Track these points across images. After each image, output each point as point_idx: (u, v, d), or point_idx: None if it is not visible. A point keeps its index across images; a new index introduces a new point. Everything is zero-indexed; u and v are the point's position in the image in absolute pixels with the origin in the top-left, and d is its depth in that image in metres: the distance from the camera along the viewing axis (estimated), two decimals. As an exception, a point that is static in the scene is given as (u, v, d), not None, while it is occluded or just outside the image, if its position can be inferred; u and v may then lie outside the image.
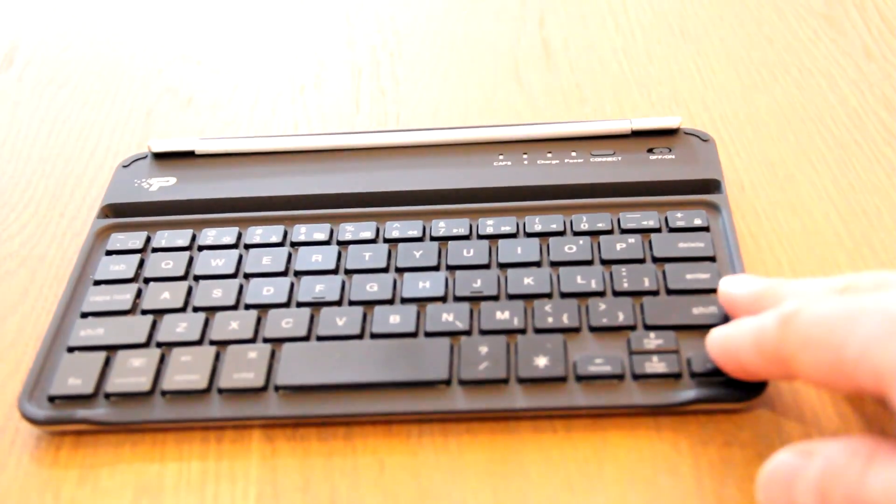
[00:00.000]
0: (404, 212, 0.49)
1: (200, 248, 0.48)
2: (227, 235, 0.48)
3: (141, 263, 0.47)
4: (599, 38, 0.64)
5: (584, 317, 0.42)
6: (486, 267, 0.45)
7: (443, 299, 0.43)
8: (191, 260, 0.47)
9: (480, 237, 0.47)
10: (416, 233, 0.47)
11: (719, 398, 0.38)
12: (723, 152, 0.52)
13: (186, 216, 0.50)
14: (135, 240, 0.48)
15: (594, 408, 0.39)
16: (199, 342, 0.42)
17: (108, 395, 0.41)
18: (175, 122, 0.60)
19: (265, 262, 0.46)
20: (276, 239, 0.48)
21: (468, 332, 0.42)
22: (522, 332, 0.42)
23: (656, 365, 0.39)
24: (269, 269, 0.46)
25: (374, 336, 0.42)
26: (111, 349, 0.42)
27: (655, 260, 0.44)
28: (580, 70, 0.62)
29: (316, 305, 0.44)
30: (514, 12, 0.68)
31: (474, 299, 0.43)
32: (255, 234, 0.48)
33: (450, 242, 0.46)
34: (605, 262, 0.45)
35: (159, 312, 0.44)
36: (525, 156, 0.51)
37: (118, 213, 0.51)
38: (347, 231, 0.48)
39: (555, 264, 0.45)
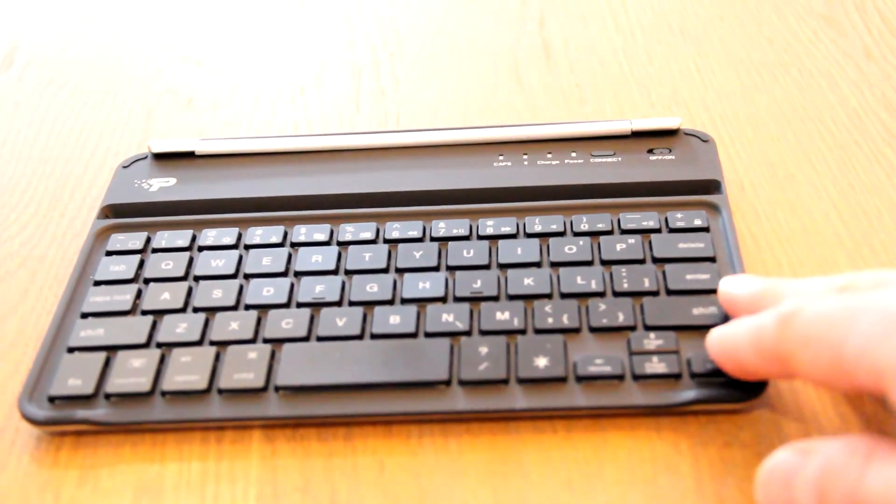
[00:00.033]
0: (404, 212, 0.49)
1: (200, 249, 0.48)
2: (227, 236, 0.48)
3: (141, 264, 0.47)
4: (599, 39, 0.64)
5: (584, 317, 0.42)
6: (487, 267, 0.45)
7: (443, 300, 0.43)
8: (191, 260, 0.47)
9: (480, 238, 0.47)
10: (416, 233, 0.47)
11: (719, 398, 0.38)
12: (723, 153, 0.52)
13: (186, 217, 0.50)
14: (135, 240, 0.48)
15: (594, 408, 0.39)
16: (199, 342, 0.42)
17: (108, 396, 0.41)
18: (175, 122, 0.60)
19: (265, 262, 0.46)
20: (276, 239, 0.48)
21: (468, 333, 0.42)
22: (522, 332, 0.42)
23: (656, 365, 0.39)
24: (269, 269, 0.46)
25: (374, 336, 0.42)
26: (111, 349, 0.42)
27: (655, 260, 0.44)
28: (580, 70, 0.62)
29: (316, 306, 0.44)
30: (514, 12, 0.68)
31: (474, 300, 0.43)
32: (255, 234, 0.48)
33: (450, 243, 0.46)
34: (605, 263, 0.45)
35: (159, 313, 0.44)
36: (525, 156, 0.51)
37: (118, 213, 0.51)
38: (347, 231, 0.48)
39: (555, 265, 0.45)
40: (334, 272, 0.46)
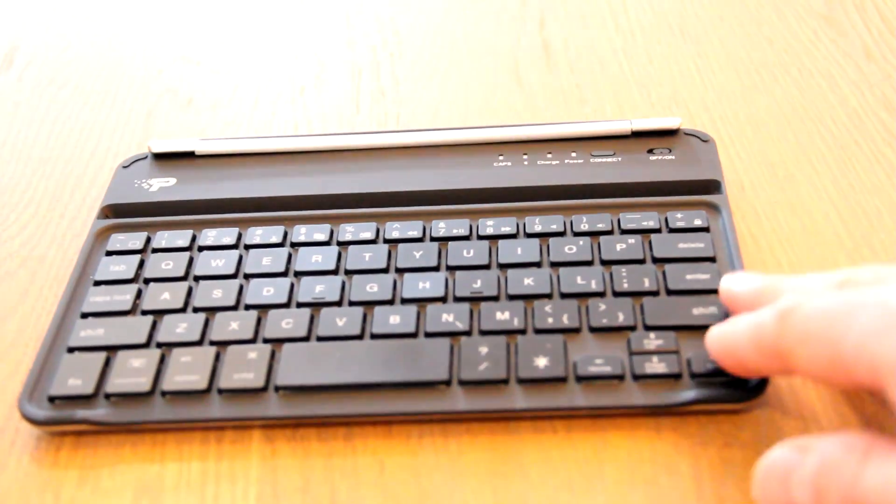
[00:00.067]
0: (404, 212, 0.49)
1: (200, 249, 0.48)
2: (228, 236, 0.48)
3: (141, 264, 0.47)
4: (599, 39, 0.64)
5: (584, 317, 0.42)
6: (486, 267, 0.45)
7: (443, 300, 0.43)
8: (191, 260, 0.47)
9: (480, 237, 0.47)
10: (416, 233, 0.47)
11: (719, 399, 0.38)
12: (723, 153, 0.52)
13: (186, 217, 0.50)
14: (135, 240, 0.48)
15: (594, 408, 0.39)
16: (199, 342, 0.42)
17: (108, 396, 0.41)
18: (175, 122, 0.60)
19: (265, 262, 0.46)
20: (276, 239, 0.48)
21: (468, 333, 0.42)
22: (522, 332, 0.42)
23: (656, 365, 0.39)
24: (269, 269, 0.46)
25: (374, 336, 0.42)
26: (111, 349, 0.42)
27: (655, 260, 0.44)
28: (580, 70, 0.62)
29: (316, 306, 0.44)
30: (514, 13, 0.68)
31: (474, 300, 0.43)
32: (255, 234, 0.48)
33: (450, 243, 0.46)
34: (605, 263, 0.45)
35: (159, 313, 0.44)
36: (525, 156, 0.51)
37: (118, 213, 0.51)
38: (347, 231, 0.48)
39: (555, 265, 0.45)
40: (334, 272, 0.46)
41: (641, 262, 0.44)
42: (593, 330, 0.41)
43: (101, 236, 0.49)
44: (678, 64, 0.61)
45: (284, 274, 0.46)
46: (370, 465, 0.39)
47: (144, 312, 0.44)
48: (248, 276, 0.46)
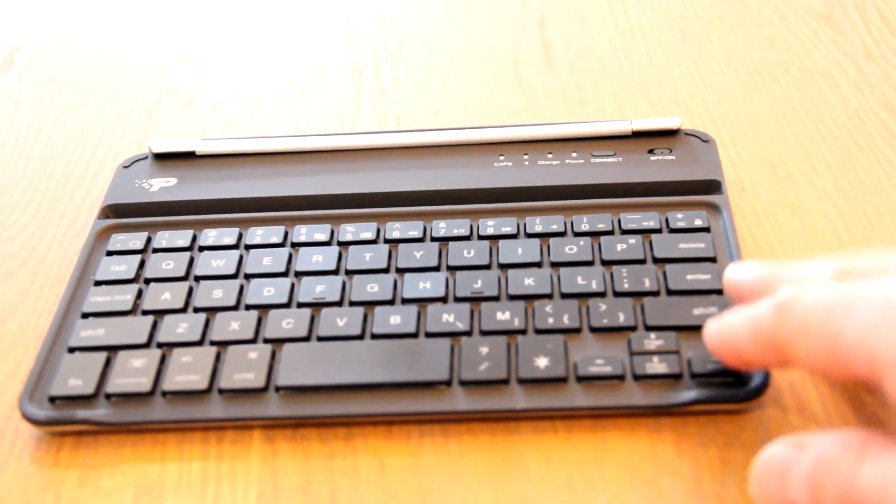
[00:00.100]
0: (405, 212, 0.49)
1: (201, 249, 0.48)
2: (228, 236, 0.48)
3: (142, 264, 0.47)
4: (600, 39, 0.64)
5: (584, 317, 0.42)
6: (487, 267, 0.45)
7: (443, 300, 0.43)
8: (191, 260, 0.47)
9: (481, 238, 0.47)
10: (416, 233, 0.47)
11: (720, 399, 0.38)
12: (723, 153, 0.52)
13: (187, 217, 0.50)
14: (135, 240, 0.48)
15: (595, 408, 0.39)
16: (199, 343, 0.42)
17: (108, 396, 0.41)
18: (176, 122, 0.60)
19: (266, 262, 0.46)
20: (276, 239, 0.48)
21: (469, 333, 0.42)
22: (523, 332, 0.42)
23: (657, 365, 0.39)
24: (269, 269, 0.46)
25: (374, 336, 0.42)
26: (112, 350, 0.42)
27: (656, 260, 0.44)
28: (580, 71, 0.62)
29: (316, 306, 0.44)
30: (514, 13, 0.68)
31: (475, 300, 0.43)
32: (256, 234, 0.48)
33: (450, 243, 0.46)
34: (605, 263, 0.45)
35: (160, 313, 0.44)
36: (525, 156, 0.51)
37: (119, 213, 0.51)
38: (348, 232, 0.48)
39: (555, 265, 0.45)
40: (335, 272, 0.46)
41: (642, 262, 0.44)
42: (594, 330, 0.41)
43: (101, 236, 0.49)
44: (678, 64, 0.61)
45: (285, 274, 0.46)
46: (371, 465, 0.39)
47: (145, 312, 0.44)
48: (248, 277, 0.46)
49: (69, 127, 0.60)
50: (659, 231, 0.46)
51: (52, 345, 0.43)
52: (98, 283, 0.46)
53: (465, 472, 0.38)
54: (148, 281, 0.46)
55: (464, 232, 0.47)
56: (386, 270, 0.45)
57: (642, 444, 0.38)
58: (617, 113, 0.57)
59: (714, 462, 0.37)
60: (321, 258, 0.46)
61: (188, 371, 0.41)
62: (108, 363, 0.42)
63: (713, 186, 0.49)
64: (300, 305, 0.44)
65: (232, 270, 0.46)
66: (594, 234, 0.46)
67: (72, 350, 0.43)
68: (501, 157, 0.51)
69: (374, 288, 0.44)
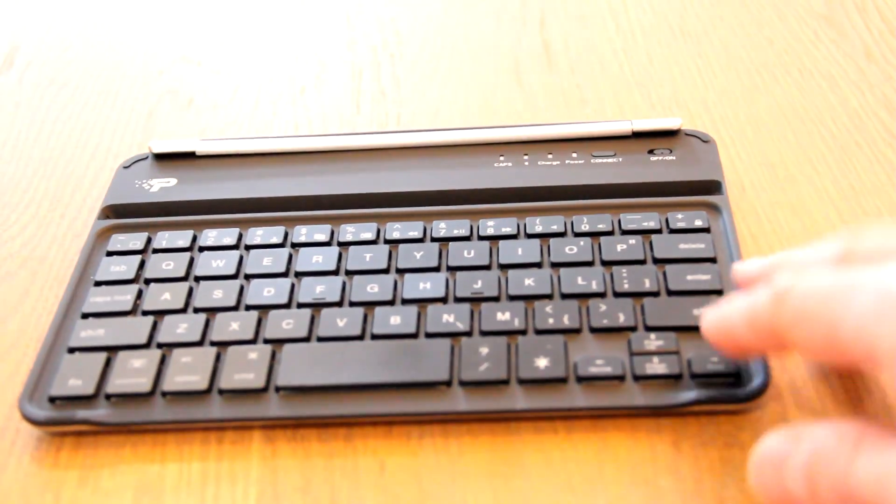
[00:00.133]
0: (405, 213, 0.49)
1: (201, 249, 0.48)
2: (228, 236, 0.48)
3: (142, 264, 0.47)
4: (600, 39, 0.64)
5: (584, 318, 0.42)
6: (487, 268, 0.45)
7: (443, 300, 0.43)
8: (191, 261, 0.47)
9: (481, 238, 0.47)
10: (416, 234, 0.47)
11: (720, 399, 0.38)
12: (723, 153, 0.52)
13: (187, 217, 0.50)
14: (135, 241, 0.48)
15: (595, 409, 0.39)
16: (199, 343, 0.42)
17: (108, 396, 0.41)
18: (176, 123, 0.60)
19: (266, 262, 0.46)
20: (276, 240, 0.48)
21: (469, 333, 0.42)
22: (523, 332, 0.42)
23: (657, 366, 0.39)
24: (269, 269, 0.46)
25: (374, 337, 0.42)
26: (112, 350, 0.42)
27: (656, 261, 0.44)
28: (581, 71, 0.62)
29: (316, 306, 0.44)
30: (514, 13, 0.68)
31: (475, 300, 0.43)
32: (256, 234, 0.48)
33: (450, 243, 0.46)
34: (605, 263, 0.45)
35: (160, 313, 0.44)
36: (526, 157, 0.51)
37: (119, 213, 0.51)
38: (348, 232, 0.48)
39: (555, 265, 0.45)
40: (335, 273, 0.46)
41: (642, 262, 0.44)
42: (594, 330, 0.41)
43: (101, 237, 0.49)
44: (679, 64, 0.61)
45: (285, 274, 0.46)
46: (370, 465, 0.39)
47: (145, 313, 0.44)
48: (248, 277, 0.46)
49: (69, 127, 0.60)
50: (659, 231, 0.46)
51: (52, 345, 0.43)
52: (98, 284, 0.46)
53: (465, 472, 0.38)
54: (148, 281, 0.46)
55: (464, 232, 0.47)
56: (386, 271, 0.45)
57: (642, 445, 0.38)
58: (617, 113, 0.57)
59: (714, 462, 0.37)
60: (321, 258, 0.46)
61: (188, 371, 0.41)
62: (108, 363, 0.42)
63: (713, 187, 0.49)
64: (300, 306, 0.44)
65: (232, 271, 0.46)
66: (594, 235, 0.46)
67: (72, 350, 0.43)
68: (501, 158, 0.51)
69: (374, 288, 0.44)
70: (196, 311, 0.44)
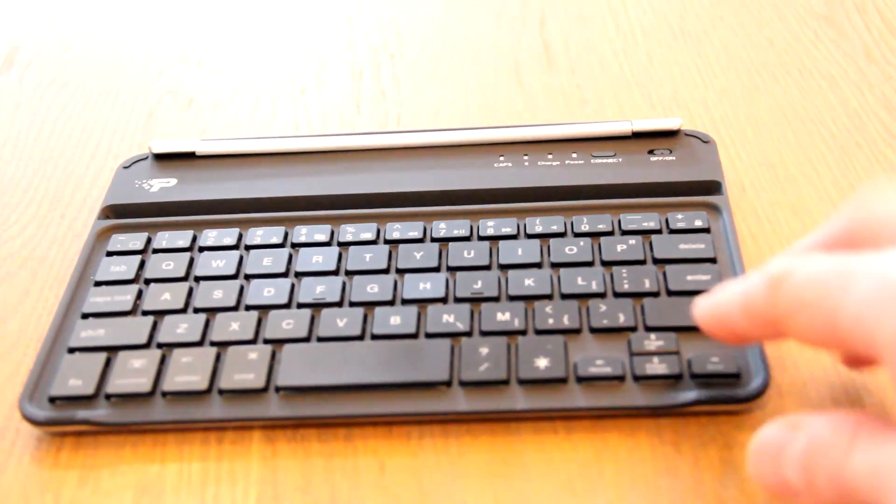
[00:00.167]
0: (405, 213, 0.49)
1: (201, 249, 0.48)
2: (228, 236, 0.48)
3: (142, 264, 0.47)
4: (600, 40, 0.64)
5: (584, 318, 0.42)
6: (487, 268, 0.45)
7: (443, 300, 0.43)
8: (191, 261, 0.47)
9: (481, 238, 0.47)
10: (416, 234, 0.47)
11: (720, 400, 0.38)
12: (723, 154, 0.52)
13: (187, 217, 0.50)
14: (135, 241, 0.48)
15: (595, 409, 0.39)
16: (199, 343, 0.42)
17: (108, 396, 0.41)
18: (176, 123, 0.60)
19: (266, 263, 0.46)
20: (276, 240, 0.48)
21: (469, 334, 0.42)
22: (523, 333, 0.42)
23: (657, 366, 0.39)
24: (269, 270, 0.46)
25: (374, 337, 0.42)
26: (112, 350, 0.42)
27: (656, 261, 0.44)
28: (581, 71, 0.62)
29: (316, 306, 0.44)
30: (514, 13, 0.68)
31: (475, 300, 0.43)
32: (256, 235, 0.48)
33: (450, 243, 0.46)
34: (605, 264, 0.45)
35: (160, 313, 0.44)
36: (526, 157, 0.51)
37: (119, 214, 0.51)
38: (348, 232, 0.48)
39: (555, 265, 0.45)
40: (335, 273, 0.46)
41: (642, 262, 0.44)
42: (594, 331, 0.41)
43: (101, 237, 0.49)
44: (679, 65, 0.61)
45: (285, 274, 0.46)
46: (370, 465, 0.39)
47: (145, 313, 0.44)
48: (248, 277, 0.46)
49: (69, 127, 0.60)
50: (659, 232, 0.46)
51: (52, 345, 0.43)
52: (98, 284, 0.46)
53: (465, 472, 0.38)
54: (148, 281, 0.46)
55: (464, 232, 0.47)
56: (386, 271, 0.45)
57: (642, 445, 0.38)
58: (617, 113, 0.57)
59: (714, 462, 0.37)
60: (321, 259, 0.46)
61: (188, 371, 0.41)
62: (108, 363, 0.42)
63: (713, 187, 0.49)
64: (300, 306, 0.44)
65: (232, 271, 0.46)
66: (594, 235, 0.46)
67: (72, 350, 0.43)
68: (501, 158, 0.51)
69: (374, 288, 0.44)
70: (196, 311, 0.44)
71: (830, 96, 0.57)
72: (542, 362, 0.40)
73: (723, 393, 0.38)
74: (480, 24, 0.67)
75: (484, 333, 0.42)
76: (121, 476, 0.39)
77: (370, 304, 0.43)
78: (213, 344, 0.42)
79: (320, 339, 0.42)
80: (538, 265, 0.45)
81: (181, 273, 0.46)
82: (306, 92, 0.62)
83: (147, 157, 0.54)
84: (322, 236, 0.48)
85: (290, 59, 0.66)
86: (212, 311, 0.44)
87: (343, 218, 0.49)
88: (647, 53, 0.63)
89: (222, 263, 0.46)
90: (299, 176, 0.52)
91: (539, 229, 0.46)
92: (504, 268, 0.45)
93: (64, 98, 0.63)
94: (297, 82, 0.63)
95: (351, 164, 0.52)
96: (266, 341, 0.42)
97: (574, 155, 0.51)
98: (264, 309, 0.44)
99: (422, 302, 0.43)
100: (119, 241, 0.48)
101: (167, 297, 0.45)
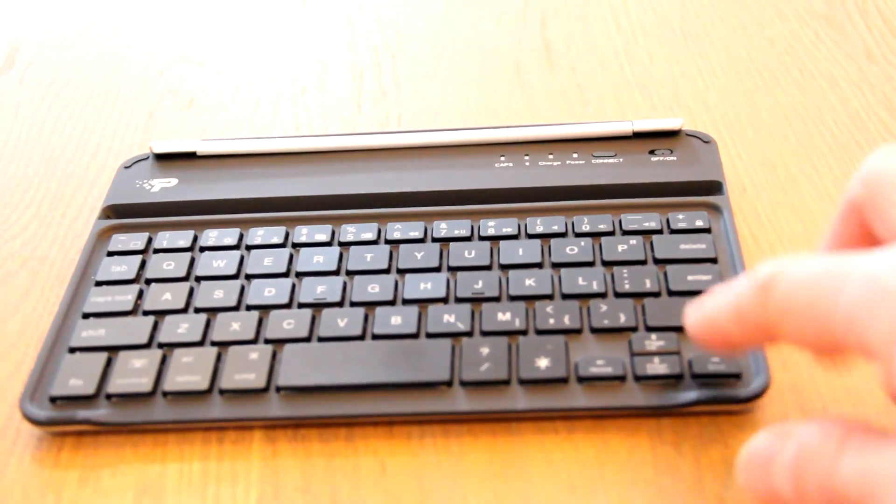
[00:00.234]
0: (406, 213, 0.49)
1: (202, 249, 0.48)
2: (229, 236, 0.48)
3: (142, 264, 0.47)
4: (601, 40, 0.64)
5: (585, 318, 0.42)
6: (488, 268, 0.45)
7: (444, 300, 0.43)
8: (192, 261, 0.47)
9: (482, 238, 0.47)
10: (417, 234, 0.47)
11: (720, 399, 0.38)
12: (724, 154, 0.52)
13: (188, 217, 0.50)
14: (136, 241, 0.48)
15: (596, 409, 0.39)
16: (200, 343, 0.42)
17: (109, 396, 0.41)
18: (177, 123, 0.60)
19: (267, 263, 0.46)
20: (277, 240, 0.48)
21: (469, 334, 0.42)
22: (524, 333, 0.42)
23: (658, 366, 0.39)
24: (270, 270, 0.46)
25: (375, 337, 0.42)
26: (113, 350, 0.42)
27: (657, 261, 0.44)
28: (581, 71, 0.62)
29: (317, 306, 0.44)
30: (515, 13, 0.68)
31: (476, 300, 0.43)
32: (257, 235, 0.48)
33: (451, 243, 0.46)
34: (606, 264, 0.45)
35: (161, 313, 0.44)
36: (526, 157, 0.51)
37: (120, 213, 0.51)
38: (349, 232, 0.48)
39: (556, 265, 0.45)
40: (336, 273, 0.46)
41: (643, 262, 0.44)
42: (595, 331, 0.41)
43: (102, 237, 0.49)
44: (679, 65, 0.61)
45: (286, 274, 0.46)
46: (371, 465, 0.39)
47: (146, 313, 0.44)
48: (249, 277, 0.46)
49: (70, 127, 0.60)
50: (660, 232, 0.46)
51: (53, 345, 0.43)
52: (99, 284, 0.46)
53: (466, 472, 0.38)
54: (149, 281, 0.46)
55: (465, 232, 0.47)
56: (387, 271, 0.45)
57: (643, 445, 0.38)
58: (618, 113, 0.57)
59: (714, 462, 0.37)
60: (322, 259, 0.46)
61: (189, 371, 0.41)
62: (108, 363, 0.42)
63: (714, 187, 0.49)
64: (301, 306, 0.44)
65: (233, 271, 0.46)
66: (595, 235, 0.46)
67: (72, 350, 0.43)
68: (502, 158, 0.51)
69: (374, 288, 0.44)
70: (197, 311, 0.44)
71: (831, 96, 0.57)
72: (542, 362, 0.40)
73: (724, 393, 0.38)
74: (481, 24, 0.67)
75: (485, 333, 0.42)
76: (121, 476, 0.39)
77: (371, 304, 0.43)
78: (213, 344, 0.42)
79: (321, 339, 0.42)
80: (539, 265, 0.45)
81: (182, 273, 0.46)
82: (307, 92, 0.62)
83: (148, 157, 0.54)
84: (323, 236, 0.48)
85: (290, 59, 0.66)
86: (212, 311, 0.44)
87: (344, 218, 0.49)
88: (647, 53, 0.63)
89: (223, 263, 0.46)
90: (300, 176, 0.52)
91: (540, 229, 0.46)
92: (505, 268, 0.45)
93: (65, 98, 0.63)
94: (297, 82, 0.63)
95: (352, 164, 0.52)
96: (267, 341, 0.42)
97: (575, 155, 0.51)
98: (265, 309, 0.44)
99: (422, 302, 0.43)
100: (120, 241, 0.48)
101: (168, 297, 0.45)
